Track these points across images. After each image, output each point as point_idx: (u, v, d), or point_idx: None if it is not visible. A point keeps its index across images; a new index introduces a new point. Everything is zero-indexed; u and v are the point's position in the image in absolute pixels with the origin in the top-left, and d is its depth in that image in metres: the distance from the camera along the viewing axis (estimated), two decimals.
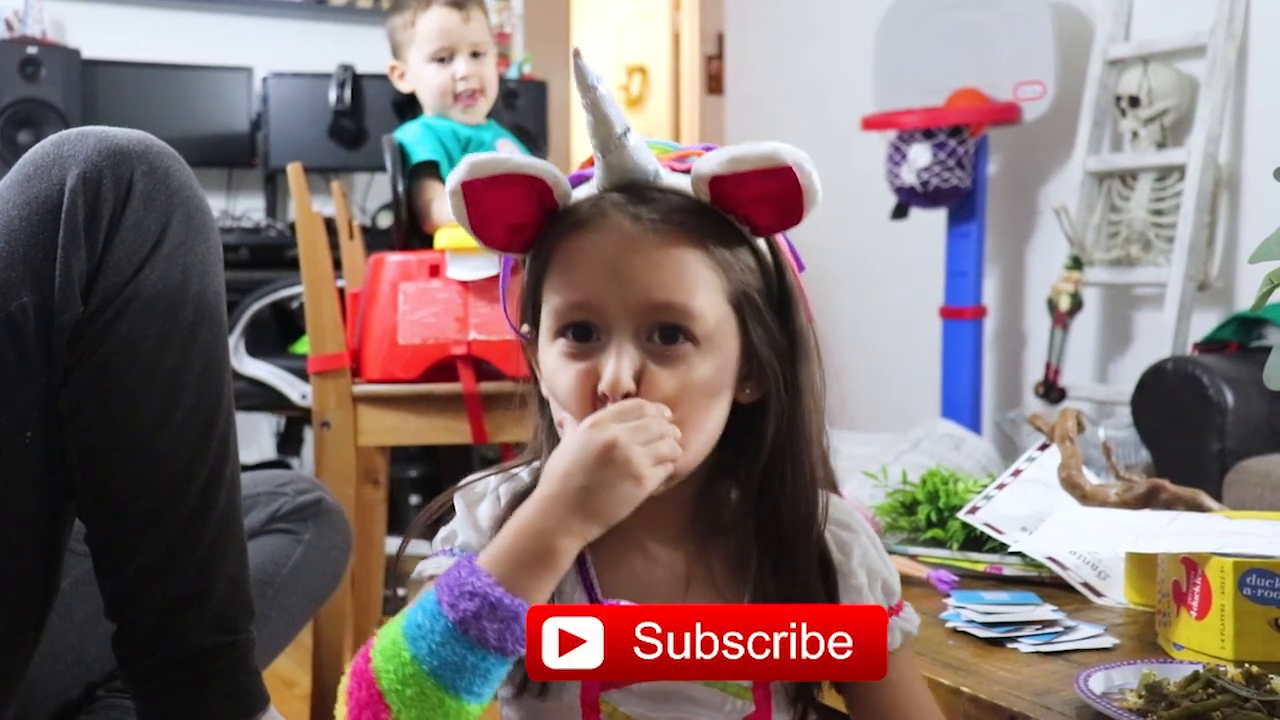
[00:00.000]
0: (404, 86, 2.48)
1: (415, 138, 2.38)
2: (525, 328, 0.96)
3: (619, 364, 0.87)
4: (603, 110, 0.88)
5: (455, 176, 0.90)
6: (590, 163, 0.94)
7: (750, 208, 0.90)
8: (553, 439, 0.95)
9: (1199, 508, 1.43)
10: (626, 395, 0.87)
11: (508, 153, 2.51)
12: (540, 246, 0.93)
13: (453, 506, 0.97)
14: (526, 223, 0.92)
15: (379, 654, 0.85)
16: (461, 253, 2.15)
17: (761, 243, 0.94)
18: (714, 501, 0.94)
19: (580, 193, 0.92)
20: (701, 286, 0.88)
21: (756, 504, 0.93)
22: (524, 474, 0.96)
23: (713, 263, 0.89)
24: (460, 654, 0.82)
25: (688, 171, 0.91)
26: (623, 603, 0.91)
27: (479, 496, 0.95)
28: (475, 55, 2.40)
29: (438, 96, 2.40)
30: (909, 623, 0.96)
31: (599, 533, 0.87)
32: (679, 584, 0.93)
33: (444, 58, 2.39)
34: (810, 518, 0.93)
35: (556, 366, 0.91)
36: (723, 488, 0.94)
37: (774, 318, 0.93)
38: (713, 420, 0.91)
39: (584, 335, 0.89)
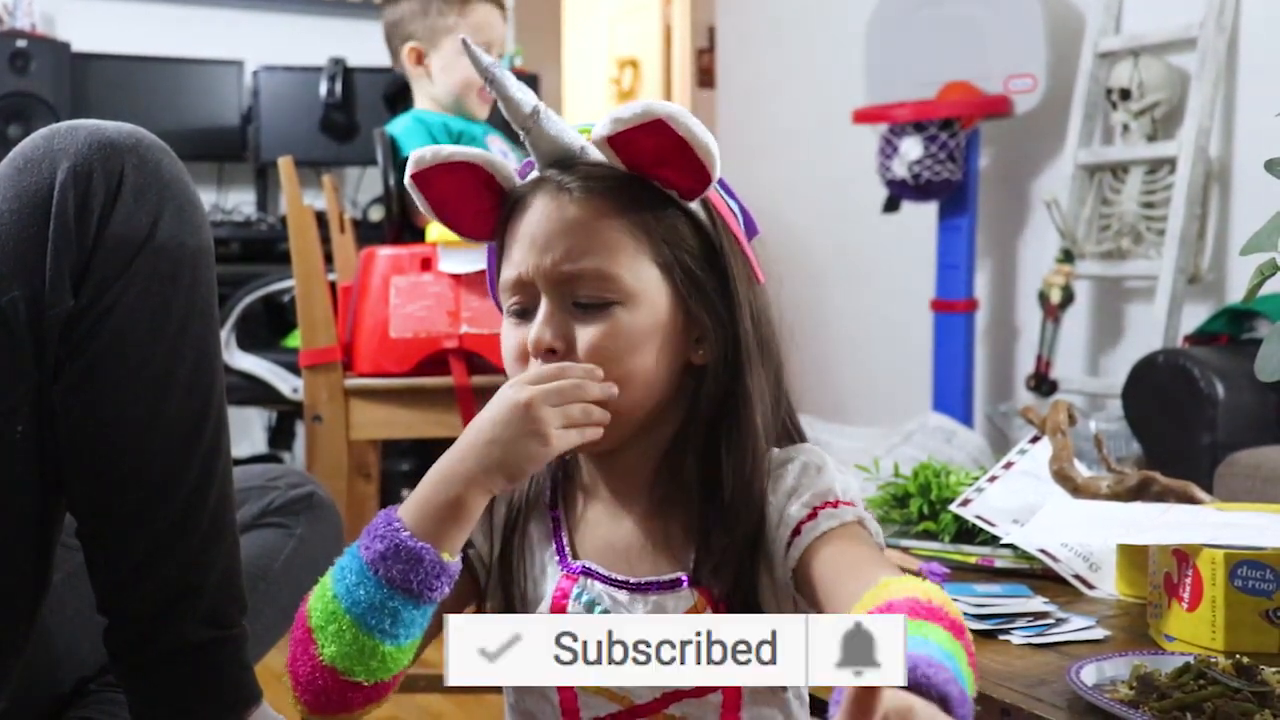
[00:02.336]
0: (416, 70, 2.46)
1: (406, 131, 2.38)
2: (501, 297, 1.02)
3: (541, 325, 0.93)
4: (506, 92, 0.94)
5: (405, 173, 0.97)
6: None
7: (657, 169, 0.94)
8: None
9: (1190, 500, 1.43)
10: (551, 352, 0.93)
11: (497, 149, 2.53)
12: (499, 230, 0.98)
13: None
14: (486, 208, 0.98)
15: (313, 593, 0.91)
16: (453, 246, 2.15)
17: (699, 209, 0.97)
18: (674, 463, 0.97)
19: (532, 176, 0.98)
20: (619, 251, 0.93)
21: (704, 465, 0.96)
22: None
23: (633, 228, 0.94)
24: (371, 593, 0.87)
25: None
26: (591, 565, 0.97)
27: None
28: (497, 54, 2.46)
29: (467, 88, 2.42)
30: (840, 516, 0.93)
31: (505, 487, 0.92)
32: (640, 544, 0.97)
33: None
34: (752, 480, 0.95)
35: (503, 337, 0.97)
36: (682, 449, 0.97)
37: (711, 279, 0.96)
38: (645, 370, 0.94)
39: (523, 306, 0.95)
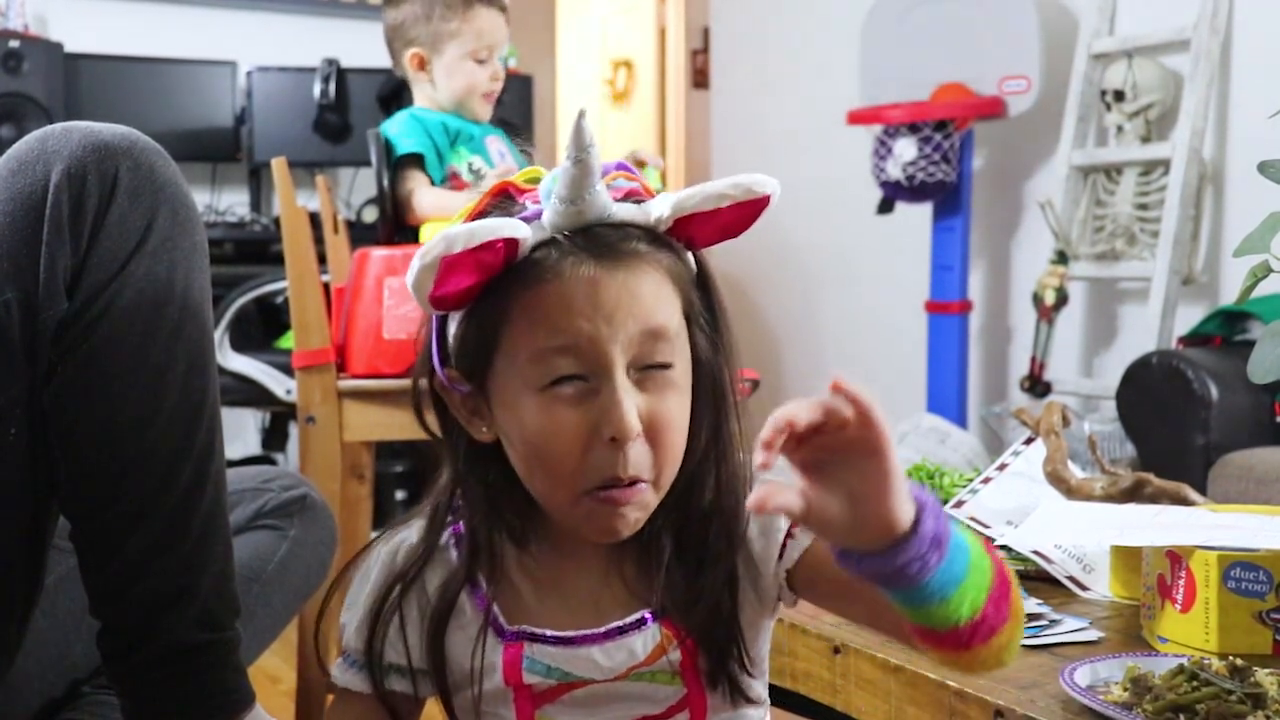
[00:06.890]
0: (418, 75, 2.45)
1: (400, 130, 2.38)
2: (453, 372, 0.92)
3: (624, 405, 0.86)
4: (590, 167, 0.86)
5: (434, 251, 0.84)
6: (497, 191, 0.92)
7: (705, 231, 0.91)
8: (478, 490, 0.93)
9: (1184, 501, 1.43)
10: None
11: (495, 149, 2.51)
12: (486, 299, 0.88)
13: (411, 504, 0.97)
14: (479, 280, 0.88)
15: None
16: None
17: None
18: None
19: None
20: (669, 306, 0.89)
21: (680, 504, 0.92)
22: (412, 535, 0.96)
23: (669, 280, 0.90)
24: None
25: (625, 198, 0.90)
26: (528, 628, 0.92)
27: (387, 552, 0.98)
28: (500, 57, 2.46)
29: (469, 92, 2.42)
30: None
31: None
32: (605, 590, 0.93)
33: (484, 58, 2.43)
34: (735, 511, 0.92)
35: (544, 418, 0.87)
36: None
37: (707, 321, 0.94)
38: (685, 429, 0.91)
39: (574, 381, 0.87)
